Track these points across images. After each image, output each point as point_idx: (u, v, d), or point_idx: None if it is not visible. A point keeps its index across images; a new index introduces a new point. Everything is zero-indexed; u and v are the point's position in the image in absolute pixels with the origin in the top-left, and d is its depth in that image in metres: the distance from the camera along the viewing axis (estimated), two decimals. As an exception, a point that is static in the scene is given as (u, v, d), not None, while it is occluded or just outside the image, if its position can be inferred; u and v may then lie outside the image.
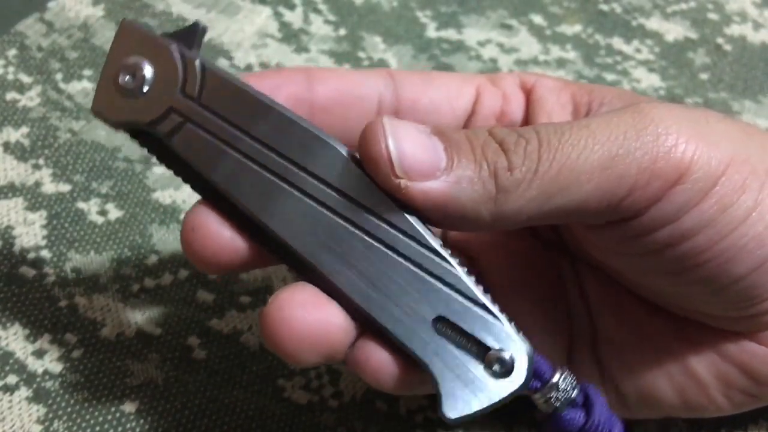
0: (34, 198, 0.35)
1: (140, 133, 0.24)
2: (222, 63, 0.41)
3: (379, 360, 0.22)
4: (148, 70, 0.23)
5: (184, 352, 0.31)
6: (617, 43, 0.46)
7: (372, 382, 0.23)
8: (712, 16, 0.49)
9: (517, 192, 0.22)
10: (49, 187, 0.35)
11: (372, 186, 0.22)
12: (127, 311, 0.32)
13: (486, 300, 0.22)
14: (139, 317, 0.32)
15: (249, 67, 0.42)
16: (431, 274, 0.22)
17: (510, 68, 0.44)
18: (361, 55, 0.43)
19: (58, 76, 0.39)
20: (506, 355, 0.21)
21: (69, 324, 0.31)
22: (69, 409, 0.29)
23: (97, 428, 0.29)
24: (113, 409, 0.29)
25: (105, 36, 0.41)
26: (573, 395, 0.22)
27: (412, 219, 0.22)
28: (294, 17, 0.45)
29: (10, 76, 0.39)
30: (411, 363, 0.22)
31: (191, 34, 0.23)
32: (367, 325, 0.22)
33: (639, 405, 0.27)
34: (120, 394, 0.30)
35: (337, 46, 0.43)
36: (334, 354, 0.23)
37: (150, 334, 0.31)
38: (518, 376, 0.21)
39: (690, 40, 0.47)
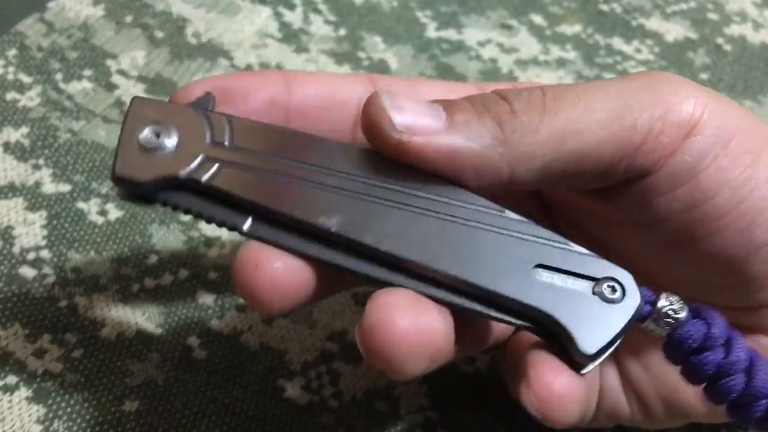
0: (34, 198, 0.35)
1: (171, 189, 0.23)
2: (222, 63, 0.41)
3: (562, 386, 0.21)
4: (172, 131, 0.23)
5: (184, 352, 0.31)
6: (617, 43, 0.47)
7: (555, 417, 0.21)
8: (712, 16, 0.49)
9: (526, 133, 0.22)
10: (49, 187, 0.35)
11: (412, 171, 0.22)
12: (127, 311, 0.32)
13: (568, 240, 0.22)
14: (139, 317, 0.32)
15: (249, 67, 0.42)
16: (508, 231, 0.22)
17: (510, 68, 0.44)
18: (361, 55, 0.43)
19: (58, 76, 0.39)
20: (615, 282, 0.21)
21: (69, 324, 0.31)
22: (69, 409, 0.29)
23: (97, 428, 0.29)
24: (113, 409, 0.29)
25: (105, 36, 0.41)
26: (683, 314, 0.21)
27: (462, 189, 0.22)
28: (294, 17, 0.45)
29: (10, 76, 0.39)
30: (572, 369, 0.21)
31: (205, 101, 0.24)
32: (471, 311, 0.22)
33: (664, 413, 0.27)
34: (120, 394, 0.30)
35: (337, 46, 0.43)
36: (440, 358, 0.22)
37: (150, 334, 0.31)
38: (633, 298, 0.21)
39: (690, 40, 0.47)
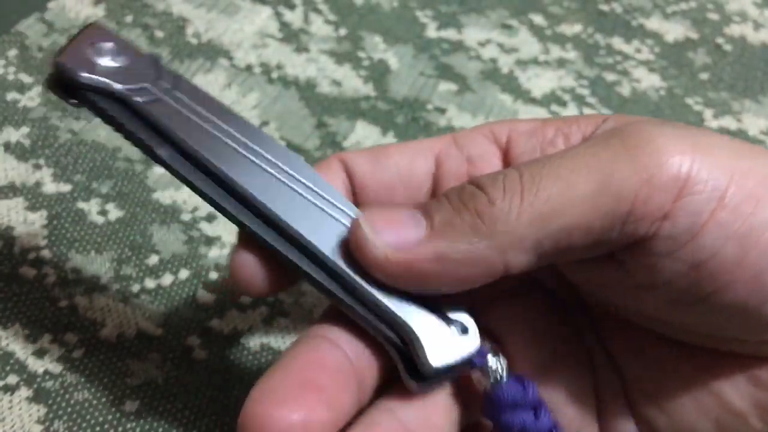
0: (34, 198, 0.35)
1: (102, 97, 0.25)
2: (222, 63, 0.41)
3: None
4: (124, 58, 0.25)
5: (184, 352, 0.31)
6: (617, 43, 0.47)
7: None
8: (712, 16, 0.49)
9: (508, 220, 0.21)
10: (50, 187, 0.35)
11: (319, 179, 0.24)
12: (127, 311, 0.32)
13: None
14: (139, 317, 0.32)
15: (249, 67, 0.42)
16: None
17: (510, 68, 0.44)
18: (361, 55, 0.43)
19: (59, 76, 0.39)
20: (463, 326, 0.23)
21: (69, 324, 0.31)
22: (69, 409, 0.29)
23: (97, 428, 0.29)
24: (113, 409, 0.29)
25: (105, 36, 0.41)
26: (505, 374, 0.24)
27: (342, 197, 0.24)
28: (294, 17, 0.45)
29: (11, 76, 0.39)
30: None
31: (157, 57, 0.26)
32: (341, 301, 0.24)
33: None
34: (120, 394, 0.30)
35: (337, 46, 0.43)
36: None
37: (150, 334, 0.31)
38: (474, 336, 0.23)
39: (690, 40, 0.47)
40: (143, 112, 0.24)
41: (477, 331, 0.24)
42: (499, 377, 0.23)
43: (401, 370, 0.23)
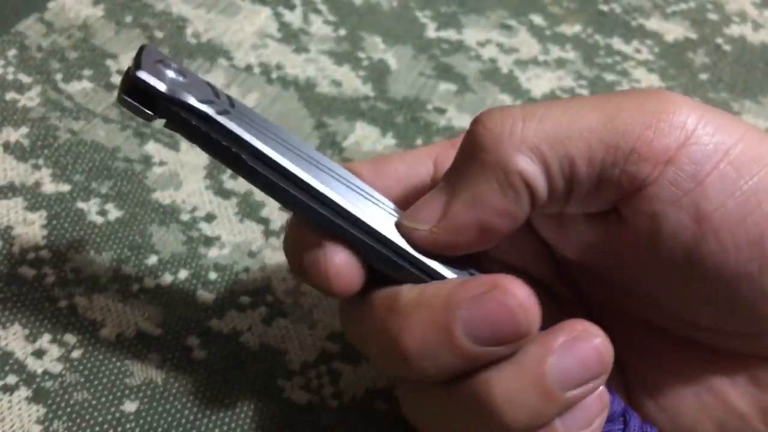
0: (34, 198, 0.35)
1: (180, 108, 0.25)
2: (222, 63, 0.41)
3: None
4: (185, 74, 0.25)
5: (184, 352, 0.31)
6: (617, 43, 0.47)
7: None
8: (712, 16, 0.49)
9: (512, 133, 0.22)
10: (49, 187, 0.35)
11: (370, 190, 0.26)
12: (127, 311, 0.32)
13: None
14: (139, 317, 0.32)
15: (249, 67, 0.42)
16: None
17: (510, 68, 0.44)
18: (361, 55, 0.43)
19: (58, 76, 0.39)
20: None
21: (69, 324, 0.31)
22: (68, 409, 0.29)
23: (97, 428, 0.29)
24: (113, 409, 0.29)
25: (105, 36, 0.41)
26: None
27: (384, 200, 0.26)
28: (294, 17, 0.45)
29: (10, 76, 0.39)
30: None
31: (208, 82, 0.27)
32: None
33: None
34: (120, 394, 0.30)
35: (337, 46, 0.43)
36: None
37: (150, 334, 0.31)
38: None
39: (690, 40, 0.48)
40: (220, 122, 0.25)
41: None
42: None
43: None
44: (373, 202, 0.25)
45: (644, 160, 0.22)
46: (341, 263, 0.24)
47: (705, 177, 0.22)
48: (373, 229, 0.24)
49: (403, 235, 0.24)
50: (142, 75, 0.25)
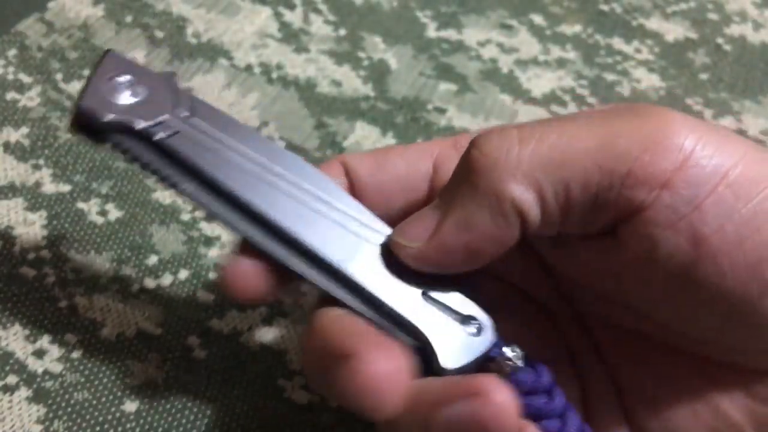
0: (34, 198, 0.35)
1: (124, 135, 0.25)
2: (222, 63, 0.41)
3: None
4: (140, 87, 0.25)
5: (184, 352, 0.31)
6: (617, 43, 0.47)
7: None
8: (712, 16, 0.49)
9: (507, 158, 0.22)
10: (49, 188, 0.35)
11: (342, 193, 0.25)
12: (127, 311, 0.32)
13: (451, 281, 0.25)
14: (139, 317, 0.32)
15: (249, 67, 0.42)
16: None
17: (510, 68, 0.44)
18: (361, 55, 0.43)
19: (58, 76, 0.39)
20: (477, 323, 0.25)
21: (69, 324, 0.31)
22: (69, 409, 0.29)
23: (97, 428, 0.29)
24: (113, 409, 0.29)
25: (105, 36, 0.41)
26: (520, 363, 0.25)
27: (369, 212, 0.25)
28: (294, 17, 0.45)
29: (10, 76, 0.39)
30: None
31: (171, 74, 0.26)
32: (359, 312, 0.25)
33: None
34: (120, 394, 0.30)
35: (337, 46, 0.43)
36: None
37: (150, 334, 0.31)
38: (488, 337, 0.24)
39: (690, 40, 0.48)
40: (166, 147, 0.25)
41: (492, 327, 0.24)
42: (515, 366, 0.24)
43: (421, 370, 0.24)
44: (342, 225, 0.25)
45: (641, 183, 0.22)
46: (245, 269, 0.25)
47: (702, 200, 0.22)
48: (323, 261, 0.24)
49: (393, 250, 0.24)
50: (83, 107, 0.25)
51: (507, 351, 0.24)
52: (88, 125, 0.25)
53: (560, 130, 0.22)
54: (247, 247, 0.25)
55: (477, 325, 0.24)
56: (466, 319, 0.24)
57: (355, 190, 0.27)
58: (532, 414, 0.24)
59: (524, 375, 0.24)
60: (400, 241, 0.24)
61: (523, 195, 0.22)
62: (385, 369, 0.21)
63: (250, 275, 0.24)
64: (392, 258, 0.25)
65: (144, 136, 0.25)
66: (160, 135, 0.25)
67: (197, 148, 0.25)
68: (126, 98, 0.25)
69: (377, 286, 0.24)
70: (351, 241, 0.25)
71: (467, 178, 0.23)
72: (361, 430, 0.30)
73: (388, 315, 0.24)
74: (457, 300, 0.25)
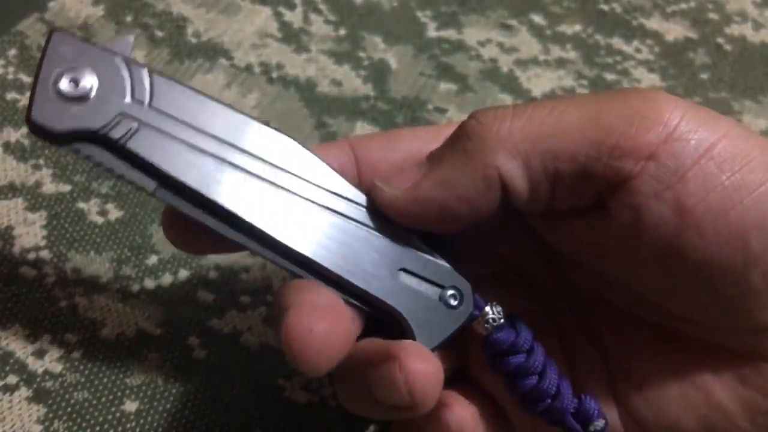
0: (34, 198, 0.35)
1: (85, 142, 0.24)
2: (222, 63, 0.41)
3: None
4: (92, 78, 0.24)
5: (184, 352, 0.31)
6: (617, 43, 0.46)
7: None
8: (712, 16, 0.49)
9: (498, 130, 0.23)
10: (49, 188, 0.35)
11: (318, 164, 0.25)
12: (127, 311, 0.32)
13: (430, 250, 0.25)
14: (139, 317, 0.32)
15: (249, 67, 0.42)
16: (381, 233, 0.25)
17: (510, 68, 0.44)
18: (361, 54, 0.43)
19: (58, 76, 0.39)
20: (456, 291, 0.25)
21: (69, 324, 0.31)
22: (69, 409, 0.29)
23: (97, 428, 0.29)
24: (113, 409, 0.29)
25: (105, 36, 0.41)
26: (501, 322, 0.25)
27: (348, 184, 0.25)
28: (294, 17, 0.45)
29: (10, 76, 0.39)
30: None
31: (125, 44, 0.25)
32: (341, 290, 0.25)
33: None
34: (120, 394, 0.30)
35: (337, 46, 0.43)
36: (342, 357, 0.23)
37: (150, 334, 0.31)
38: (467, 306, 0.25)
39: (690, 40, 0.47)
40: (126, 150, 0.24)
41: (471, 295, 0.25)
42: (493, 326, 0.25)
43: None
44: (316, 203, 0.24)
45: (627, 155, 0.22)
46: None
47: (687, 171, 0.22)
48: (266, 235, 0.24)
49: (371, 193, 0.25)
50: (34, 122, 0.24)
51: (487, 310, 0.25)
52: (44, 137, 0.24)
53: (552, 107, 0.24)
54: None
55: (456, 293, 0.25)
56: (445, 289, 0.25)
57: (362, 171, 0.27)
58: (512, 372, 0.25)
59: (503, 334, 0.25)
60: (379, 185, 0.25)
61: (509, 164, 0.23)
62: (322, 328, 0.22)
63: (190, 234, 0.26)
64: (370, 231, 0.25)
65: (102, 140, 0.24)
66: (118, 134, 0.24)
67: (159, 146, 0.24)
68: (78, 97, 0.24)
69: (350, 269, 0.24)
70: (321, 218, 0.24)
71: (458, 142, 0.24)
72: (361, 430, 0.30)
73: (361, 297, 0.24)
74: (435, 270, 0.25)
